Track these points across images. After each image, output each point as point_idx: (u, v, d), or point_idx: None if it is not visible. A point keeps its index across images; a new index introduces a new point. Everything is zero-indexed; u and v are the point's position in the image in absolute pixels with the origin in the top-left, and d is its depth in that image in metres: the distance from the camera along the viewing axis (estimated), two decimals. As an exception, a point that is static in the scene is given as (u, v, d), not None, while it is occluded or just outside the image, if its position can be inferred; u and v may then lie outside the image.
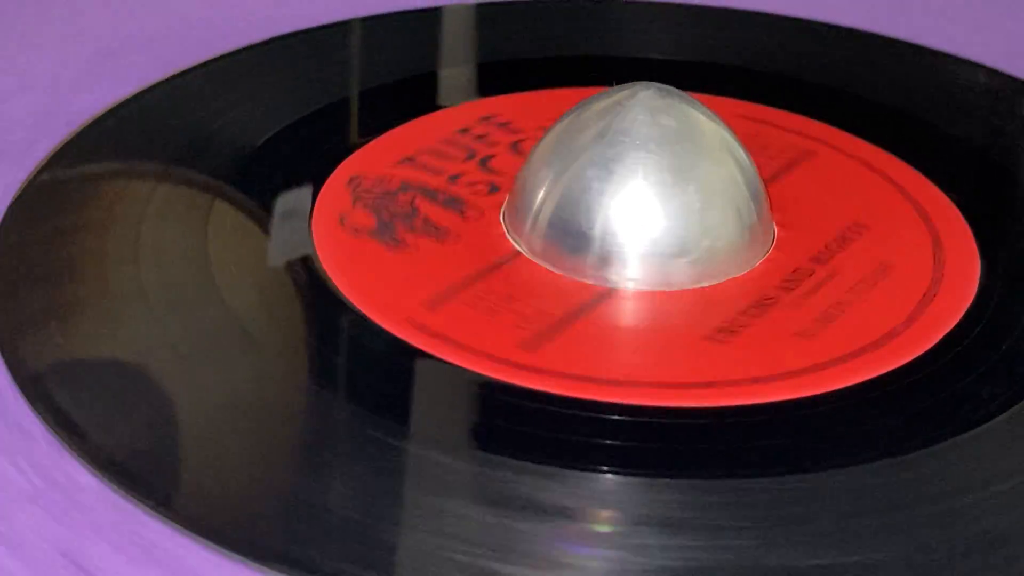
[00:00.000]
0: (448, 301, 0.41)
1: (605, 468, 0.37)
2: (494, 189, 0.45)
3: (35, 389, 0.38)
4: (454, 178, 0.46)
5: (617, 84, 0.45)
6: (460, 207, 0.44)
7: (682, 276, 0.42)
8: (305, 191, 0.46)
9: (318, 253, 0.43)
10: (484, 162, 0.47)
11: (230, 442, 0.37)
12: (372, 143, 0.48)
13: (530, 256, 0.43)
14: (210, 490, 0.36)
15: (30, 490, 0.36)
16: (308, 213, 0.45)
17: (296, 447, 0.38)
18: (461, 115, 0.50)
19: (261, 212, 0.45)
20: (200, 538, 0.34)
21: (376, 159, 0.47)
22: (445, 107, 0.51)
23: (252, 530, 0.35)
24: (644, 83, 0.44)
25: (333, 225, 0.44)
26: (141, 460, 0.36)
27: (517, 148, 0.47)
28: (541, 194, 0.43)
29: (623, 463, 0.37)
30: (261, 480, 0.36)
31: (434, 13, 0.57)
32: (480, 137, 0.48)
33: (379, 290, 0.42)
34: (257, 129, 0.48)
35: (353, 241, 0.43)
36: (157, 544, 0.34)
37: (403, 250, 0.43)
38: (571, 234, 0.43)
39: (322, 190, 0.46)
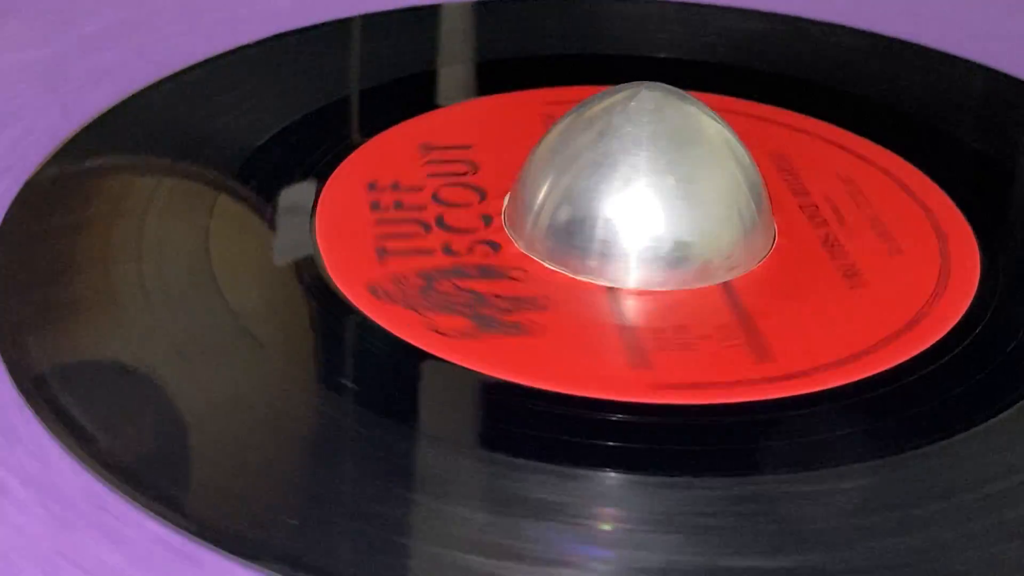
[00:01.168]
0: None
1: (606, 467, 0.37)
2: (495, 246, 0.45)
3: (35, 389, 0.38)
4: (446, 249, 0.44)
5: (617, 84, 0.45)
6: (501, 274, 0.43)
7: (682, 276, 0.42)
8: (308, 188, 0.46)
9: (321, 251, 0.43)
10: (440, 223, 0.45)
11: (232, 443, 0.37)
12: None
13: (525, 251, 0.43)
14: (212, 492, 0.36)
15: (30, 491, 0.35)
16: (311, 210, 0.45)
17: (299, 448, 0.38)
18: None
19: (264, 210, 0.45)
20: (202, 540, 0.34)
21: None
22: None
23: (257, 532, 0.35)
24: (644, 83, 0.44)
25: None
26: (143, 461, 0.36)
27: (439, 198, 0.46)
28: (542, 194, 0.43)
29: (623, 463, 0.37)
30: (265, 482, 0.36)
31: (434, 11, 0.57)
32: (397, 204, 0.46)
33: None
34: (260, 127, 0.48)
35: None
36: (157, 545, 0.34)
37: (532, 332, 0.41)
38: (572, 234, 0.43)
39: (325, 187, 0.46)
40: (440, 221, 0.44)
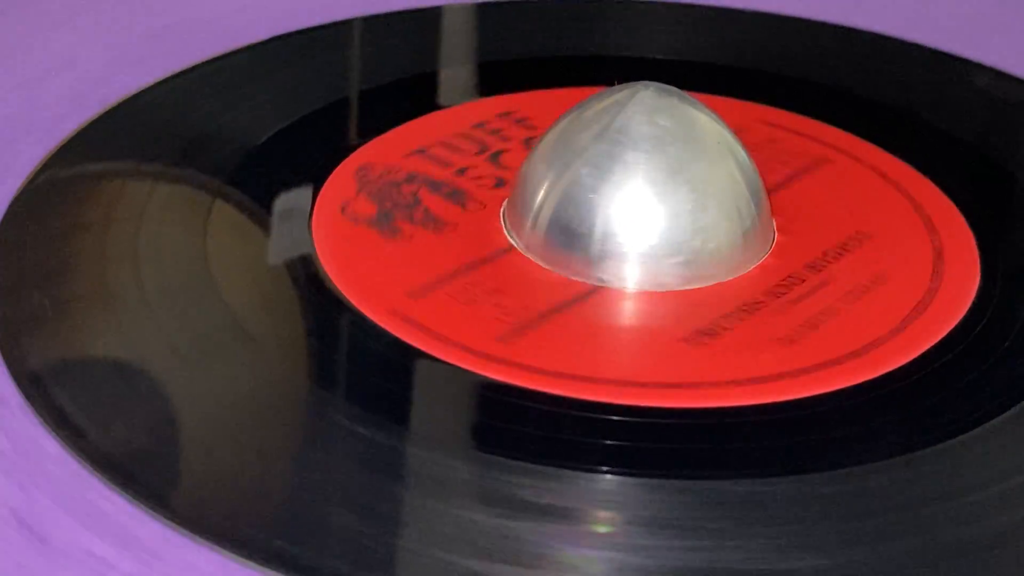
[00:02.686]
0: (433, 292, 0.41)
1: (603, 468, 0.37)
2: (500, 183, 0.46)
3: (33, 388, 0.38)
4: (462, 171, 0.46)
5: (617, 84, 0.45)
6: (462, 199, 0.44)
7: (681, 276, 0.42)
8: (305, 190, 0.46)
9: (317, 252, 0.43)
10: (495, 157, 0.47)
11: (226, 441, 0.37)
12: (387, 134, 0.48)
13: (525, 252, 0.43)
14: (207, 490, 0.36)
15: (27, 489, 0.35)
16: (308, 212, 0.45)
17: (294, 447, 0.38)
18: (480, 109, 0.50)
19: (261, 211, 0.45)
20: (197, 537, 0.34)
21: (388, 149, 0.47)
22: (450, 106, 0.51)
23: (250, 530, 0.35)
24: (644, 83, 0.44)
25: (333, 219, 0.44)
26: (139, 459, 0.36)
27: (531, 144, 0.47)
28: (541, 193, 0.43)
29: (619, 463, 0.37)
30: (259, 480, 0.36)
31: (435, 12, 0.57)
32: (495, 132, 0.48)
33: (378, 289, 0.42)
34: (257, 128, 0.48)
35: (352, 229, 0.43)
36: (154, 543, 0.34)
37: (399, 240, 0.43)
38: (571, 233, 0.43)
39: (322, 190, 0.46)
40: (496, 155, 0.45)
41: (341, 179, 0.46)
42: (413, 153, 0.46)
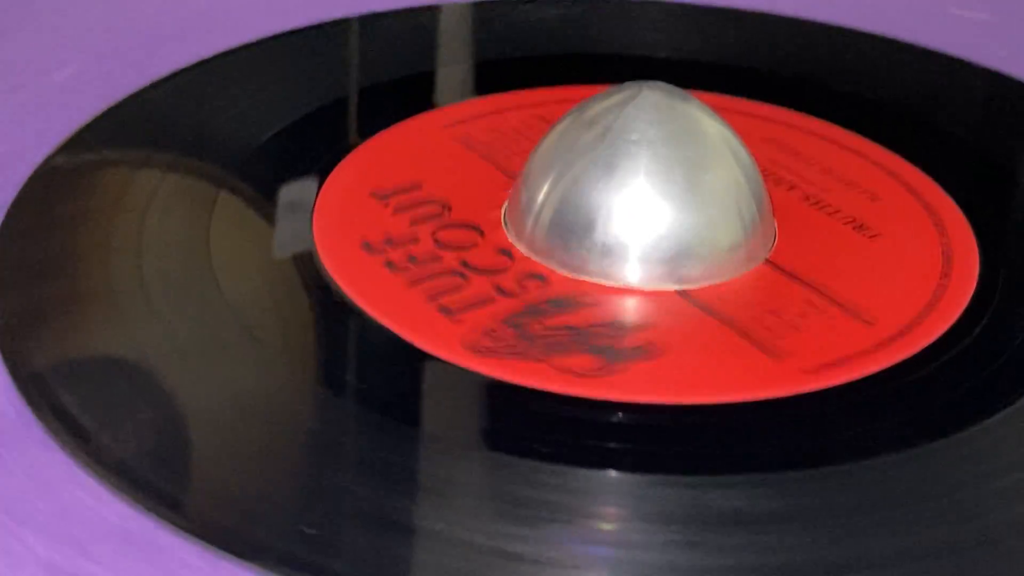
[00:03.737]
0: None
1: (609, 467, 0.37)
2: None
3: (33, 385, 0.38)
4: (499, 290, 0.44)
5: (617, 84, 0.45)
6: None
7: (682, 276, 0.42)
8: (308, 187, 0.46)
9: (320, 250, 0.43)
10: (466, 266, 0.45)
11: (230, 440, 0.37)
12: (328, 183, 0.47)
13: (527, 253, 0.43)
14: (211, 490, 0.36)
15: (27, 489, 0.35)
16: (310, 209, 0.45)
17: (298, 446, 0.38)
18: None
19: (264, 209, 0.45)
20: (200, 539, 0.34)
21: (351, 197, 0.46)
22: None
23: (255, 531, 0.35)
24: (645, 83, 0.44)
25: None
26: (142, 459, 0.36)
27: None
28: (542, 194, 0.43)
29: (628, 463, 0.37)
30: (264, 480, 0.36)
31: (433, 11, 0.57)
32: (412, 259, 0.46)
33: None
34: (260, 126, 0.48)
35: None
36: (158, 545, 0.34)
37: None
38: (572, 233, 0.43)
39: (324, 186, 0.46)
40: (465, 264, 0.44)
41: (341, 179, 0.46)
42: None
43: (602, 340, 0.40)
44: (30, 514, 0.35)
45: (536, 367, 0.39)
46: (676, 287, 0.42)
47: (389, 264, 0.43)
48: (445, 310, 0.41)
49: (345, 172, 0.46)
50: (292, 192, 0.46)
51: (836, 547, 0.35)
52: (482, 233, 0.44)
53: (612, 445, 0.37)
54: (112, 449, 0.36)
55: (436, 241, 0.44)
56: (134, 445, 0.37)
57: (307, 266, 0.43)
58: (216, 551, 0.34)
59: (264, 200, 0.45)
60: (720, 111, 0.45)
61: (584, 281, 0.42)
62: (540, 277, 0.43)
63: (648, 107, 0.43)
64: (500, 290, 0.42)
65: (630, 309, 0.42)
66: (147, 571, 0.34)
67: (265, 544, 0.34)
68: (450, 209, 0.45)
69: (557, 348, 0.40)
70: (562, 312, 0.41)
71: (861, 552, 0.35)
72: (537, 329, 0.40)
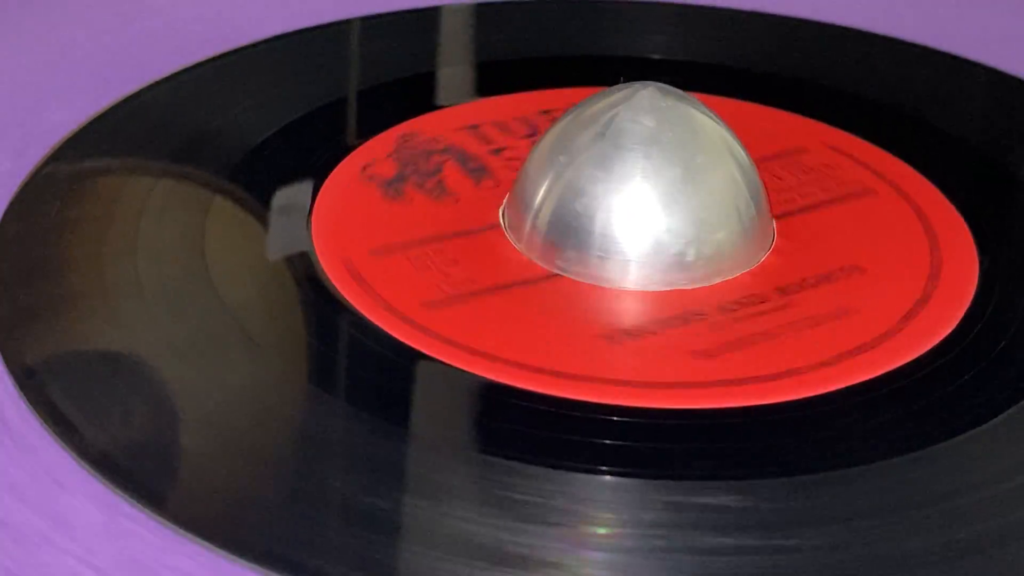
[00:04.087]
0: (391, 255, 0.42)
1: (601, 468, 0.37)
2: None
3: (30, 384, 0.38)
4: (498, 151, 0.46)
5: (617, 84, 0.45)
6: (480, 176, 0.44)
7: (680, 275, 0.42)
8: (304, 189, 0.46)
9: (317, 251, 0.43)
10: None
11: (223, 440, 0.37)
12: (450, 109, 0.49)
13: (527, 254, 0.43)
14: (203, 488, 0.36)
15: (22, 487, 0.35)
16: (308, 211, 0.45)
17: (291, 446, 0.38)
18: (479, 109, 0.50)
19: (260, 210, 0.45)
20: (193, 537, 0.34)
21: (442, 121, 0.47)
22: (449, 106, 0.51)
23: (246, 529, 0.35)
24: (644, 83, 0.44)
25: (333, 216, 0.44)
26: (136, 457, 0.36)
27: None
28: (541, 194, 0.43)
29: (619, 464, 0.37)
30: (256, 479, 0.36)
31: (433, 13, 0.57)
32: (547, 112, 0.48)
33: (377, 287, 0.42)
34: (258, 127, 0.48)
35: (361, 189, 0.43)
36: (149, 542, 0.34)
37: (399, 203, 0.43)
38: (570, 234, 0.43)
39: (322, 187, 0.46)
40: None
41: (341, 177, 0.46)
42: (464, 128, 0.46)
43: (418, 177, 0.41)
44: (22, 507, 0.35)
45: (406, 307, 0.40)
46: (673, 287, 0.42)
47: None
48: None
49: (344, 173, 0.46)
50: (290, 193, 0.46)
51: (834, 551, 0.35)
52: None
53: (605, 446, 0.37)
54: (105, 446, 0.36)
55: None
56: (127, 443, 0.37)
57: (303, 267, 0.43)
58: (208, 548, 0.34)
59: (262, 201, 0.45)
60: (720, 111, 0.45)
61: (580, 282, 0.42)
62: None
63: (646, 107, 0.43)
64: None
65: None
66: (138, 566, 0.34)
67: (253, 540, 0.34)
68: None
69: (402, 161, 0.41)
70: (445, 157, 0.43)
71: (860, 556, 0.35)
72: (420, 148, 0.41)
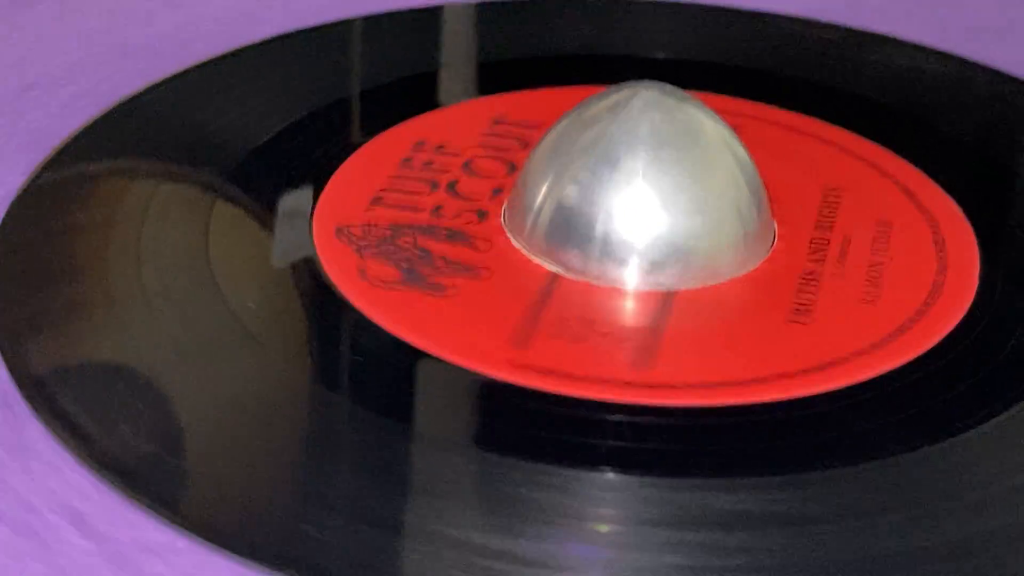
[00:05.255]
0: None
1: (606, 468, 0.37)
2: (482, 214, 0.45)
3: (35, 390, 0.38)
4: (436, 211, 0.45)
5: (617, 84, 0.45)
6: (467, 241, 0.44)
7: (681, 276, 0.42)
8: (307, 190, 0.46)
9: (320, 253, 0.43)
10: (451, 188, 0.46)
11: (230, 443, 0.37)
12: (451, 108, 0.49)
13: (528, 254, 0.43)
14: (211, 492, 0.36)
15: (29, 493, 0.35)
16: (310, 211, 0.45)
17: (298, 448, 0.38)
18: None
19: (263, 211, 0.45)
20: (200, 539, 0.34)
21: (346, 203, 0.45)
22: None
23: (254, 532, 0.35)
24: (644, 83, 0.44)
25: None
26: (143, 463, 0.36)
27: (470, 167, 0.47)
28: (541, 194, 0.43)
29: (621, 463, 0.37)
30: (264, 482, 0.36)
31: (434, 12, 0.57)
32: (428, 164, 0.47)
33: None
34: (259, 128, 0.48)
35: (388, 294, 0.42)
36: (158, 545, 0.34)
37: (447, 295, 0.42)
38: (571, 234, 0.43)
39: (325, 188, 0.46)
40: (451, 185, 0.44)
41: (342, 181, 0.46)
42: (373, 204, 0.45)
43: (425, 268, 0.41)
44: (31, 516, 0.35)
45: (517, 361, 0.39)
46: (673, 288, 0.42)
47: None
48: (375, 199, 0.41)
49: (346, 174, 0.46)
50: (292, 195, 0.46)
51: (837, 549, 0.35)
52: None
53: (606, 446, 0.37)
54: (112, 451, 0.36)
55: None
56: (136, 448, 0.37)
57: (307, 268, 0.43)
58: (215, 550, 0.34)
59: (263, 203, 0.45)
60: (720, 111, 0.45)
61: (582, 281, 0.42)
62: (482, 214, 0.43)
63: (647, 107, 0.43)
64: (436, 211, 0.42)
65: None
66: (145, 571, 0.34)
67: (262, 543, 0.34)
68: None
69: (387, 256, 0.41)
70: (446, 242, 0.42)
71: (863, 554, 0.35)
72: (405, 242, 0.42)
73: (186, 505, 0.35)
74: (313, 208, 0.45)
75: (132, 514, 0.35)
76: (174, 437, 0.37)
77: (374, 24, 0.56)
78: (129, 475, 0.36)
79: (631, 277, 0.42)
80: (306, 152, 0.47)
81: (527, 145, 0.47)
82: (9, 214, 0.44)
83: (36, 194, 0.45)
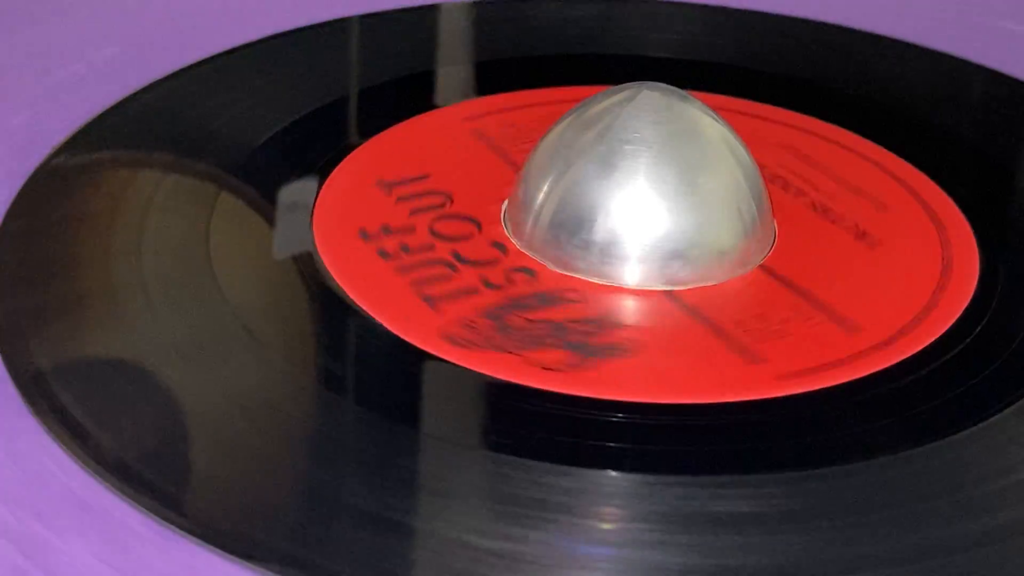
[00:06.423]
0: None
1: (608, 467, 0.37)
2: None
3: (34, 385, 0.38)
4: (487, 283, 0.44)
5: (617, 84, 0.45)
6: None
7: (681, 276, 0.42)
8: (308, 187, 0.46)
9: (320, 250, 0.43)
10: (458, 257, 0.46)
11: (230, 441, 0.37)
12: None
13: (527, 252, 0.43)
14: (210, 490, 0.36)
15: (28, 489, 0.35)
16: (311, 209, 0.45)
17: (298, 446, 0.38)
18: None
19: (264, 209, 0.45)
20: (200, 539, 0.34)
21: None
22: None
23: (255, 531, 0.35)
24: (644, 83, 0.44)
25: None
26: (142, 459, 0.36)
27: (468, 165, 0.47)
28: (542, 194, 0.43)
29: (627, 463, 0.37)
30: (264, 480, 0.36)
31: (433, 11, 0.57)
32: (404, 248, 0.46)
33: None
34: (260, 126, 0.48)
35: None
36: (157, 544, 0.34)
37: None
38: (571, 234, 0.43)
39: (324, 185, 0.46)
40: (457, 256, 0.44)
41: (341, 179, 0.46)
42: (373, 202, 0.45)
43: (576, 337, 0.40)
44: (29, 513, 0.35)
45: (511, 360, 0.39)
46: (670, 288, 0.42)
47: (382, 253, 0.43)
48: (429, 300, 0.41)
49: (345, 171, 0.46)
50: (292, 191, 0.46)
51: (836, 548, 0.35)
52: (480, 228, 0.44)
53: (608, 446, 0.37)
54: (111, 448, 0.36)
55: (432, 233, 0.44)
56: (133, 444, 0.37)
57: (307, 266, 0.43)
58: (214, 550, 0.34)
59: (264, 199, 0.45)
60: (720, 111, 0.45)
61: (575, 278, 0.42)
62: (529, 272, 0.43)
63: (648, 107, 0.43)
64: (487, 283, 0.42)
65: (618, 308, 0.42)
66: (144, 569, 0.34)
67: (263, 543, 0.34)
68: (451, 202, 0.45)
69: (533, 342, 0.40)
70: (545, 307, 0.41)
71: (856, 554, 0.35)
72: (516, 322, 0.41)
73: (183, 502, 0.35)
74: (314, 205, 0.45)
75: (130, 511, 0.35)
76: (172, 433, 0.37)
77: (372, 23, 0.56)
78: (125, 471, 0.36)
79: (631, 276, 0.42)
80: (306, 150, 0.47)
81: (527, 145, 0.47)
82: (12, 208, 0.44)
83: (39, 189, 0.45)
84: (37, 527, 0.34)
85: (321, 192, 0.45)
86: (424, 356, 0.40)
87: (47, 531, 0.34)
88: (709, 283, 0.43)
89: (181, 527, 0.34)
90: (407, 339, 0.40)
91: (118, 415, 0.37)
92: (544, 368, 0.39)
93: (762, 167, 0.45)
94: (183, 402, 0.38)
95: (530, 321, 0.41)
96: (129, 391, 0.38)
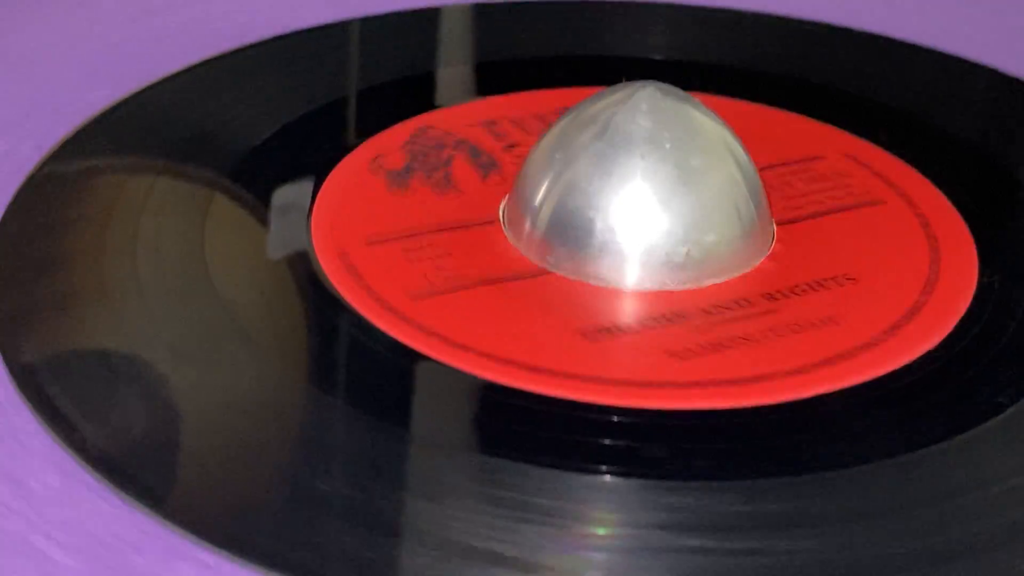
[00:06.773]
0: (385, 244, 0.42)
1: (601, 468, 0.37)
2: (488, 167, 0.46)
3: (28, 383, 0.38)
4: (511, 147, 0.46)
5: (617, 84, 0.45)
6: (488, 170, 0.44)
7: (680, 276, 0.42)
8: (305, 188, 0.46)
9: (316, 251, 0.43)
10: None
11: (222, 439, 0.37)
12: (467, 104, 0.49)
13: (526, 253, 0.43)
14: (202, 488, 0.36)
15: (20, 486, 0.35)
16: (307, 211, 0.45)
17: (290, 446, 0.38)
18: (478, 109, 0.50)
19: (260, 210, 0.45)
20: (190, 536, 0.34)
21: (459, 117, 0.47)
22: (449, 106, 0.51)
23: (245, 529, 0.35)
24: (644, 83, 0.44)
25: (333, 216, 0.44)
26: (133, 457, 0.36)
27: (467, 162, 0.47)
28: (540, 194, 0.43)
29: (619, 465, 0.37)
30: (255, 479, 0.36)
31: (433, 13, 0.57)
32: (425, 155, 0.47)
33: (377, 287, 0.42)
34: (257, 127, 0.48)
35: (364, 182, 0.43)
36: (147, 541, 0.34)
37: (402, 195, 0.43)
38: (570, 234, 0.43)
39: (321, 187, 0.46)
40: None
41: (344, 173, 0.46)
42: (482, 124, 0.46)
43: (425, 167, 0.41)
44: (20, 507, 0.35)
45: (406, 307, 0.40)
46: (669, 287, 0.42)
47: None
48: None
49: (347, 169, 0.47)
50: (289, 193, 0.46)
51: (837, 550, 0.35)
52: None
53: (605, 448, 0.37)
54: (103, 445, 0.36)
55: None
56: (126, 442, 0.37)
57: (302, 267, 0.43)
58: (205, 547, 0.34)
59: (261, 200, 0.45)
60: (720, 111, 0.45)
61: (579, 281, 0.42)
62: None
63: (646, 107, 0.43)
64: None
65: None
66: (134, 566, 0.34)
67: (252, 541, 0.34)
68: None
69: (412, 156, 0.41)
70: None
71: (863, 555, 0.35)
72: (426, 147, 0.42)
73: (174, 500, 0.35)
74: (311, 207, 0.45)
75: (120, 508, 0.35)
76: (165, 432, 0.37)
77: (372, 26, 0.56)
78: (118, 468, 0.36)
79: (630, 277, 0.42)
80: (304, 151, 0.47)
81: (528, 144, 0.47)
82: (8, 208, 0.44)
83: (35, 189, 0.45)
84: (24, 519, 0.35)
85: (318, 194, 0.45)
86: (418, 357, 0.40)
87: (34, 524, 0.34)
88: (707, 283, 0.42)
89: (170, 523, 0.34)
90: (402, 340, 0.40)
91: (111, 412, 0.37)
92: (373, 161, 0.40)
93: (760, 167, 0.45)
94: (176, 400, 0.38)
95: (446, 157, 0.41)
96: (123, 389, 0.38)
